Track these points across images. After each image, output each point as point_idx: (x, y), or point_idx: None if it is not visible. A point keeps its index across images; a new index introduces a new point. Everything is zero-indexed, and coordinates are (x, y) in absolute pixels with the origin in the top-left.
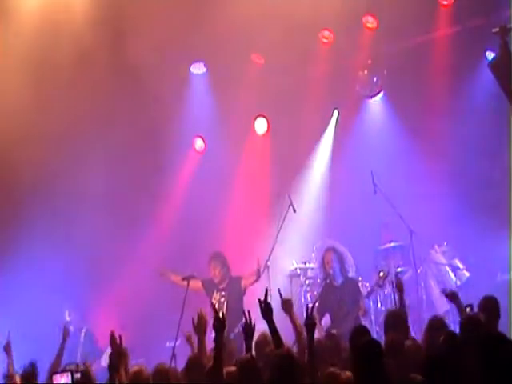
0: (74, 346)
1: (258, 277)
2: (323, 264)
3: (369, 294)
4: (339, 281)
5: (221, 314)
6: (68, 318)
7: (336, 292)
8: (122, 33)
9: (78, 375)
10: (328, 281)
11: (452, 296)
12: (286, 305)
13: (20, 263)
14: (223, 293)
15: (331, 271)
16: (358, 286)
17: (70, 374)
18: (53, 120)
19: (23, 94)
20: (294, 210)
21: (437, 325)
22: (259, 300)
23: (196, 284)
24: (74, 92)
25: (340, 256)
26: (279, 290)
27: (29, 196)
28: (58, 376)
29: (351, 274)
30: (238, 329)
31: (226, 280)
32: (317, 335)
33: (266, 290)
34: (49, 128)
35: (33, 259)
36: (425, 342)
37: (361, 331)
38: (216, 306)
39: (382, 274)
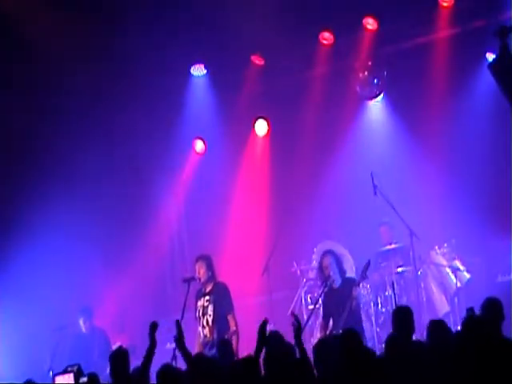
0: (89, 347)
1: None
2: (321, 268)
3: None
4: (338, 283)
5: (205, 320)
6: (81, 320)
7: (335, 294)
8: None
9: (84, 379)
10: (328, 283)
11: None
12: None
13: (19, 265)
14: (207, 297)
15: (331, 274)
16: (355, 284)
17: (72, 375)
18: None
19: None
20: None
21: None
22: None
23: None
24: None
25: (337, 258)
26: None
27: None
28: (60, 377)
29: (350, 275)
30: (228, 335)
31: (210, 283)
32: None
33: (264, 322)
34: None
35: (33, 261)
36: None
37: (351, 335)
38: (200, 313)
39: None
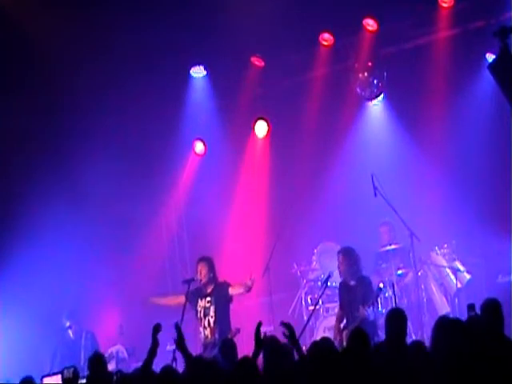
0: (76, 349)
1: (248, 290)
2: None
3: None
4: (352, 282)
5: (207, 321)
6: (67, 324)
7: (350, 292)
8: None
9: (83, 381)
10: (329, 282)
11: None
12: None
13: (20, 265)
14: (208, 298)
15: (331, 273)
16: (370, 288)
17: (60, 376)
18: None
19: None
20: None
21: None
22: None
23: (179, 299)
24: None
25: (349, 257)
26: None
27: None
28: (48, 378)
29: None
30: (231, 334)
31: (211, 285)
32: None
33: (259, 324)
34: None
35: (34, 261)
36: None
37: (360, 335)
38: (201, 313)
39: (381, 284)
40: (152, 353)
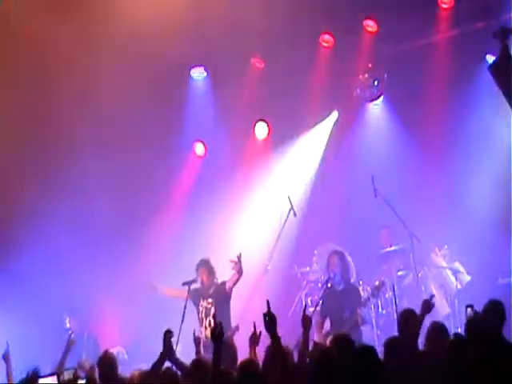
0: (77, 349)
1: (240, 273)
2: (328, 266)
3: (364, 303)
4: (341, 286)
5: (208, 322)
6: (68, 325)
7: (337, 296)
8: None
9: (82, 381)
10: (329, 284)
11: None
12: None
13: (20, 266)
14: (210, 300)
15: (332, 275)
16: (359, 294)
17: (56, 377)
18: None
19: None
20: (295, 214)
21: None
22: (264, 314)
23: (182, 293)
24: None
25: (344, 261)
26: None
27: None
28: (43, 379)
29: (353, 280)
30: (231, 332)
31: (212, 287)
32: (316, 338)
33: (268, 301)
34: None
35: (34, 261)
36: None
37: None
38: (203, 314)
39: (377, 283)
40: (162, 359)
